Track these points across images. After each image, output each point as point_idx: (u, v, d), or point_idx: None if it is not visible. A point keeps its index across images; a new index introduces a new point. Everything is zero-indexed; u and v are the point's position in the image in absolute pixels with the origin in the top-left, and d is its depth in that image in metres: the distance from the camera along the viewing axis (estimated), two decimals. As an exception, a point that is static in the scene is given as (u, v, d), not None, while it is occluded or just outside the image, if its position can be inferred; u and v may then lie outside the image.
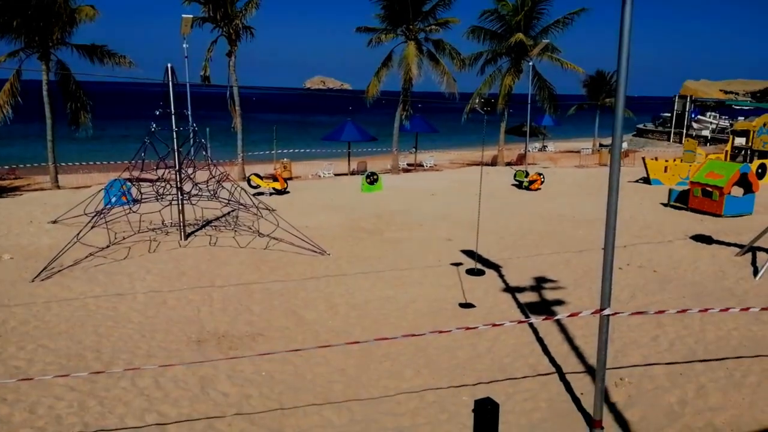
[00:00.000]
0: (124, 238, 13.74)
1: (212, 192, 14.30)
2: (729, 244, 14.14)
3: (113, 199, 14.62)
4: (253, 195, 15.69)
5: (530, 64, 30.25)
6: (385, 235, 15.36)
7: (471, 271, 11.97)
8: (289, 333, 8.97)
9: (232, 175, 16.34)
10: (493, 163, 33.56)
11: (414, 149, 34.45)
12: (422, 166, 33.60)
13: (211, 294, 10.53)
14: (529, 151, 34.57)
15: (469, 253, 13.14)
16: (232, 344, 8.48)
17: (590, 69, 43.19)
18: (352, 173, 29.70)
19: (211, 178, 14.54)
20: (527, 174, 23.97)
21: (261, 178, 22.17)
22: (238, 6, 25.90)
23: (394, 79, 30.58)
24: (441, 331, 6.97)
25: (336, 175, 29.02)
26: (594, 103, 45.09)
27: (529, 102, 29.86)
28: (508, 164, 33.79)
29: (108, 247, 13.06)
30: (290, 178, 25.85)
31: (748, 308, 8.06)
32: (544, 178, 23.86)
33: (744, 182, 17.99)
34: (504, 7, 32.01)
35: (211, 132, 20.03)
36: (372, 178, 23.03)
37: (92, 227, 12.77)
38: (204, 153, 14.58)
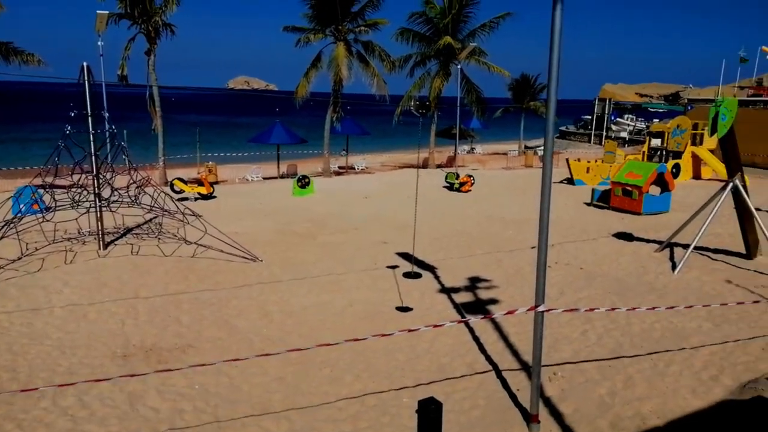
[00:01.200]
0: (37, 249, 12.92)
1: (133, 198, 13.72)
2: (648, 241, 15.13)
3: (23, 208, 13.70)
4: (177, 200, 15.18)
5: (458, 67, 31.08)
6: (319, 239, 15.31)
7: (408, 274, 12.16)
8: (221, 343, 8.77)
9: (153, 179, 15.72)
10: (425, 165, 34.17)
11: (345, 152, 34.51)
12: (354, 168, 33.71)
13: (136, 306, 10.11)
14: (458, 153, 35.46)
15: (405, 256, 13.34)
16: (161, 357, 8.19)
17: (515, 72, 44.85)
18: (282, 176, 29.36)
19: (131, 183, 13.95)
20: (458, 176, 24.58)
21: (185, 182, 21.49)
22: (157, 2, 25.02)
23: (323, 80, 30.57)
24: (383, 335, 7.05)
25: (265, 178, 28.58)
26: (519, 106, 46.88)
27: (459, 105, 30.65)
28: (439, 166, 34.52)
29: (20, 259, 12.25)
30: (216, 182, 25.22)
31: (672, 307, 8.68)
32: (474, 180, 24.56)
33: (661, 181, 19.30)
34: (432, 9, 32.71)
35: (130, 134, 19.20)
36: (303, 182, 22.88)
37: (0, 238, 11.94)
38: (123, 157, 13.97)
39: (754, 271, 12.55)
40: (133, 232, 14.96)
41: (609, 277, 12.12)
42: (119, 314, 9.72)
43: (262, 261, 12.94)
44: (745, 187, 12.92)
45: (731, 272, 12.44)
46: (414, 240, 12.69)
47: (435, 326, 7.01)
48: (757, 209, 14.39)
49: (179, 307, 10.13)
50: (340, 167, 33.84)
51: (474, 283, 11.74)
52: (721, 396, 6.95)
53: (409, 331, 7.01)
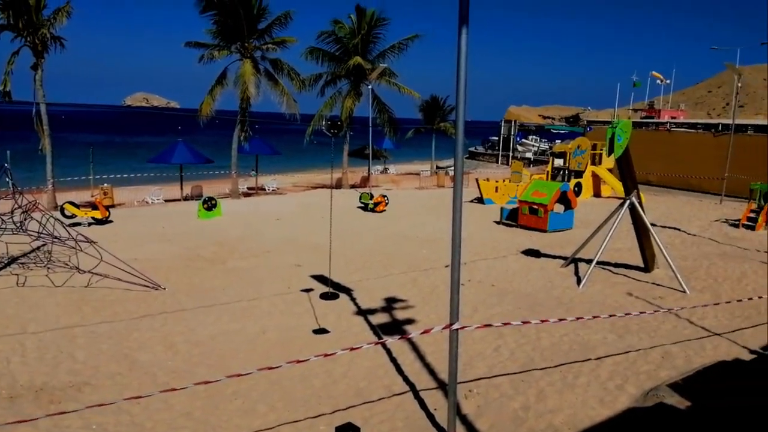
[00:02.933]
0: None
1: (18, 224, 12.74)
2: (555, 257, 16.01)
3: None
4: (69, 226, 14.24)
5: (369, 87, 31.65)
6: (229, 264, 14.90)
7: (325, 296, 12.09)
8: (121, 379, 8.27)
9: (41, 204, 14.68)
10: (338, 185, 34.30)
11: (254, 172, 33.95)
12: (264, 189, 33.20)
13: (23, 342, 9.34)
14: (372, 173, 35.92)
15: (320, 278, 13.27)
16: (53, 397, 7.60)
17: (425, 93, 46.28)
18: (186, 198, 28.35)
19: (16, 208, 12.95)
20: (372, 196, 24.88)
21: (77, 206, 20.26)
22: (45, 14, 23.62)
23: (230, 97, 30.03)
24: (298, 361, 6.95)
25: (167, 201, 27.49)
26: (430, 127, 48.32)
27: (371, 125, 31.15)
28: (353, 187, 34.76)
29: None
30: (112, 206, 23.92)
31: (580, 317, 9.21)
32: (388, 200, 24.95)
33: (564, 200, 20.54)
34: (341, 29, 33.21)
35: (14, 155, 17.83)
36: (209, 204, 22.23)
37: None
38: (7, 179, 12.95)
39: (652, 283, 13.60)
40: (19, 261, 13.84)
41: (519, 293, 12.68)
42: (4, 351, 8.93)
43: (165, 289, 12.39)
44: (641, 203, 14.03)
45: (631, 285, 13.41)
46: (330, 260, 12.67)
47: (352, 349, 7.02)
48: (653, 224, 15.67)
49: (73, 341, 9.47)
50: (249, 188, 33.20)
51: (391, 303, 11.87)
52: (626, 404, 7.44)
53: (326, 355, 6.96)
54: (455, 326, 6.10)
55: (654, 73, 66.02)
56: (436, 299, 12.04)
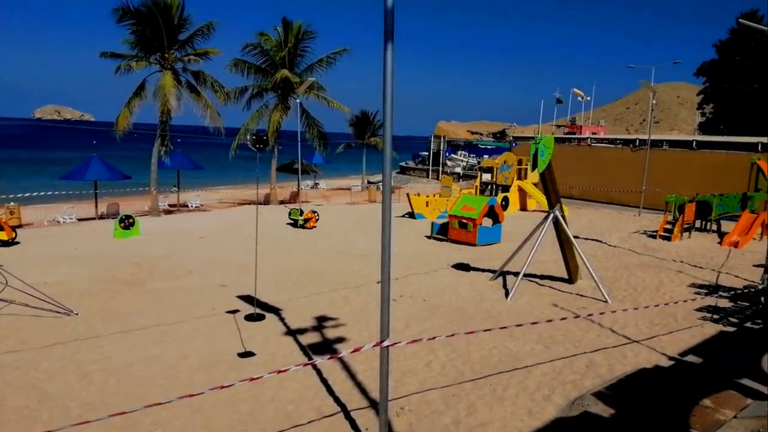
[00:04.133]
0: None
1: None
2: (484, 270, 16.43)
3: None
4: (-31, 248, 13.29)
5: (297, 101, 31.54)
6: (148, 286, 14.33)
7: (250, 317, 11.83)
8: (30, 413, 7.75)
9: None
10: (266, 201, 33.82)
11: (176, 188, 32.92)
12: (187, 206, 32.24)
13: None
14: (301, 188, 35.67)
15: (246, 298, 12.99)
16: (-55, 440, 7.01)
17: (356, 108, 46.69)
18: (101, 217, 27.10)
19: None
20: (302, 212, 24.70)
21: (-22, 227, 18.92)
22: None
23: (149, 110, 29.10)
24: (222, 387, 6.75)
25: (80, 220, 26.18)
26: (361, 141, 48.66)
27: (299, 139, 31.00)
28: (282, 202, 34.38)
29: None
30: (19, 226, 22.53)
31: (505, 327, 9.48)
32: (318, 216, 24.84)
33: (492, 214, 21.16)
34: (267, 42, 32.99)
35: None
36: (127, 222, 21.36)
37: None
38: None
39: (576, 294, 14.20)
40: None
41: (450, 307, 12.91)
42: None
43: (77, 314, 11.75)
44: (564, 217, 14.67)
45: (556, 296, 13.94)
46: (255, 281, 12.43)
47: (279, 372, 6.89)
48: (576, 237, 16.41)
49: (-30, 376, 8.79)
50: (170, 205, 32.15)
51: (321, 322, 11.78)
52: (554, 414, 7.69)
53: (252, 379, 6.81)
54: (386, 343, 6.13)
55: (575, 90, 69.47)
56: (368, 316, 12.05)
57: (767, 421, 6.60)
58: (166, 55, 28.31)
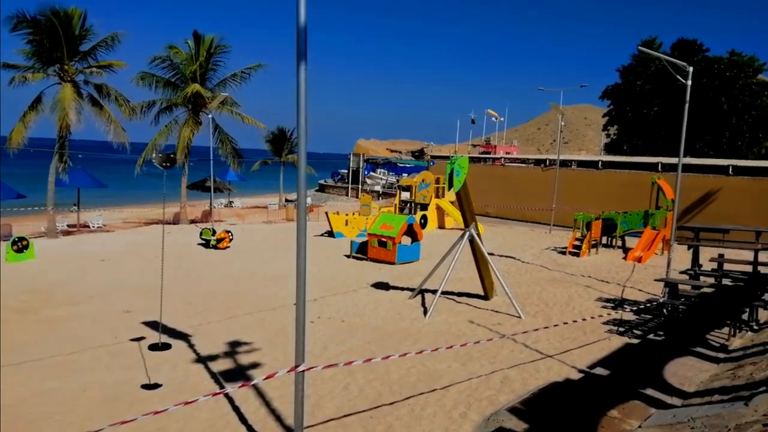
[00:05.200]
0: None
1: None
2: (403, 289, 16.62)
3: None
4: None
5: (210, 116, 30.85)
6: (43, 314, 13.42)
7: (155, 346, 11.32)
8: None
9: None
10: (176, 221, 32.66)
11: (75, 207, 31.15)
12: (88, 227, 30.54)
13: None
14: (215, 207, 34.77)
15: (153, 325, 12.42)
16: None
17: (273, 124, 46.26)
18: (-9, 240, 25.15)
19: None
20: (214, 232, 24.05)
21: None
22: None
23: (46, 124, 27.49)
24: (124, 421, 6.40)
25: (-35, 242, 24.16)
26: (278, 158, 48.20)
27: (212, 156, 30.28)
28: (193, 222, 33.31)
29: None
30: None
31: (421, 351, 9.61)
32: (232, 235, 24.26)
33: (411, 232, 21.50)
34: (177, 55, 32.15)
35: None
36: (20, 245, 19.97)
37: None
38: None
39: (491, 310, 14.65)
40: None
41: (369, 327, 12.94)
42: None
43: (-41, 348, 10.79)
44: (479, 235, 15.15)
45: (473, 313, 14.32)
46: (161, 305, 11.93)
47: (187, 403, 6.63)
48: (491, 254, 16.97)
49: None
50: (69, 226, 30.33)
51: (234, 347, 11.46)
52: (470, 431, 7.86)
53: (156, 412, 6.51)
54: (300, 368, 6.06)
55: (489, 111, 72.32)
56: (285, 339, 11.84)
57: (669, 430, 7.06)
58: (66, 67, 26.93)
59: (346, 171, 59.23)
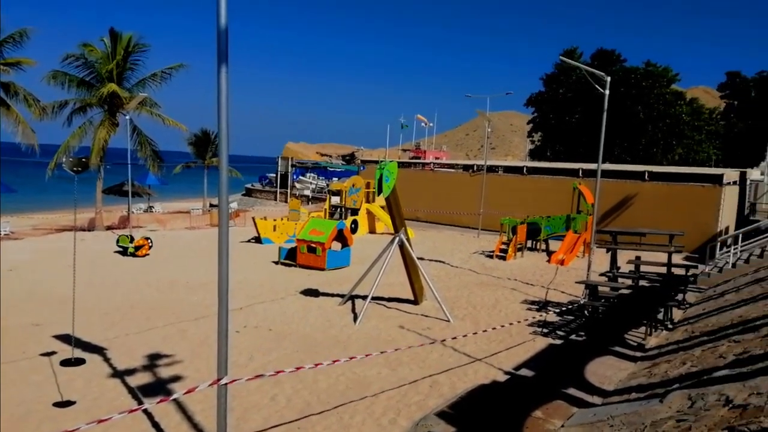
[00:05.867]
0: None
1: None
2: (333, 295, 16.55)
3: None
4: None
5: (127, 117, 29.68)
6: (-62, 330, 12.43)
7: (67, 362, 10.73)
8: None
9: None
10: (90, 227, 31.17)
11: (-22, 214, 29.14)
12: (-8, 234, 28.61)
13: None
14: (133, 212, 33.42)
15: (65, 338, 11.78)
16: None
17: (196, 126, 45.02)
18: None
19: None
20: (132, 239, 23.12)
21: None
22: None
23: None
24: (29, 443, 6.03)
25: None
26: (201, 161, 46.94)
27: (129, 159, 29.12)
28: (109, 228, 31.87)
29: None
30: None
31: (353, 357, 9.59)
32: (152, 242, 23.40)
33: (341, 237, 21.45)
34: (92, 53, 30.76)
35: None
36: None
37: None
38: None
39: (421, 315, 14.83)
40: None
41: (297, 335, 12.80)
42: None
43: None
44: (408, 240, 15.31)
45: (403, 318, 14.45)
46: (73, 317, 11.34)
47: (101, 421, 6.33)
48: (421, 258, 17.17)
49: None
50: (-29, 234, 28.34)
51: (154, 360, 11.04)
52: (399, 437, 7.91)
53: None
54: (224, 381, 5.91)
55: (419, 116, 73.41)
56: (208, 351, 11.50)
57: (590, 428, 7.36)
58: (-33, 63, 25.25)
59: (275, 175, 58.44)
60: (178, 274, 19.19)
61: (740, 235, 20.66)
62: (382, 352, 10.54)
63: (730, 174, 30.77)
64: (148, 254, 22.60)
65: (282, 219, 29.12)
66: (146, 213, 43.11)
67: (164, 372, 10.46)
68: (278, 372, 7.91)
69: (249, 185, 61.93)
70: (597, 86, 15.45)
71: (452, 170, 43.72)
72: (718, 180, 28.63)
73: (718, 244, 23.63)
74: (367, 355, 9.95)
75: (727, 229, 28.31)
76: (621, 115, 54.23)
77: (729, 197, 29.31)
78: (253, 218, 28.68)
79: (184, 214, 41.50)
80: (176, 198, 53.56)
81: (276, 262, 21.64)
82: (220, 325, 5.88)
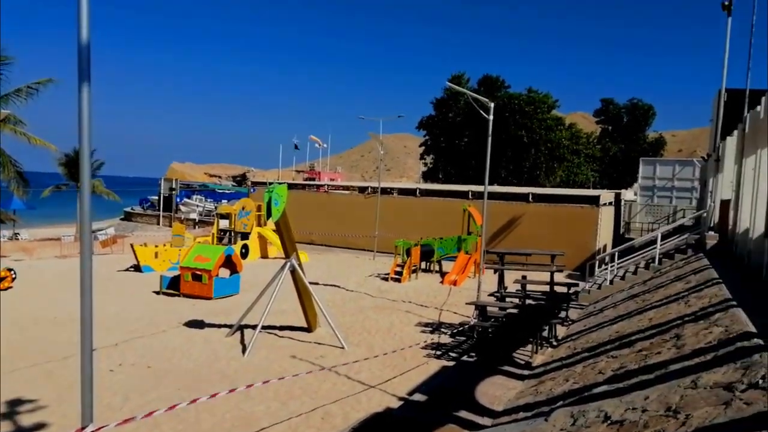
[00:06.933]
0: None
1: None
2: (220, 326, 15.91)
3: None
4: None
5: (-12, 136, 27.24)
6: None
7: None
8: None
9: None
10: (-59, 258, 28.09)
11: None
12: None
13: None
14: (-7, 241, 30.57)
15: None
16: None
17: (67, 146, 42.08)
18: None
19: None
20: (-8, 271, 21.07)
21: None
22: None
23: None
24: None
25: None
26: (74, 183, 43.92)
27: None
28: (-36, 259, 28.90)
29: None
30: None
31: (234, 389, 9.18)
32: (15, 274, 21.45)
33: (230, 263, 20.77)
34: (-57, 65, 28.04)
35: None
36: None
37: None
38: None
39: (315, 342, 14.60)
40: None
41: (180, 372, 12.14)
42: None
43: None
44: (300, 265, 15.08)
45: (295, 347, 14.14)
46: None
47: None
48: (315, 283, 16.98)
49: None
50: None
51: (15, 407, 10.01)
52: (289, 475, 7.65)
53: None
54: (88, 428, 5.42)
55: (312, 137, 73.33)
56: (77, 394, 10.61)
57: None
58: None
59: (157, 197, 55.84)
60: (44, 308, 17.67)
61: (616, 253, 22.24)
62: (264, 382, 10.22)
63: (606, 195, 33.24)
64: (11, 287, 20.67)
65: (165, 245, 27.77)
66: (10, 241, 39.57)
67: (26, 419, 9.51)
68: (151, 413, 7.39)
69: (129, 209, 58.70)
70: (481, 111, 16.17)
71: (347, 192, 43.92)
72: (595, 201, 30.81)
73: (597, 261, 25.31)
74: (248, 386, 9.60)
75: (605, 247, 30.43)
76: (506, 139, 57.22)
77: (606, 217, 31.60)
78: (132, 245, 27.11)
79: (54, 241, 38.47)
80: (45, 224, 49.61)
81: (157, 292, 20.52)
82: (83, 369, 5.44)
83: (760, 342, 5.99)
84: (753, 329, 6.70)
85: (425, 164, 74.74)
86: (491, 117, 16.08)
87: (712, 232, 19.33)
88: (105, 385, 11.04)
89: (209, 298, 19.52)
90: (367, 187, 41.77)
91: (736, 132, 18.07)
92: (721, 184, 20.43)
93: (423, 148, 70.98)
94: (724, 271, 12.68)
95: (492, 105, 16.08)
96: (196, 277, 19.82)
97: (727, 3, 24.07)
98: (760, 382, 4.71)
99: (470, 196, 33.91)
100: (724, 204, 19.62)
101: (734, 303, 8.48)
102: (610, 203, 33.63)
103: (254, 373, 12.06)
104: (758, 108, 14.08)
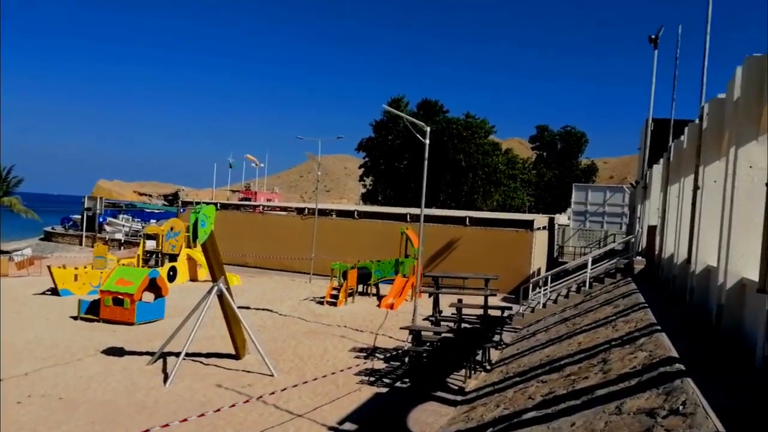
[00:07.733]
0: None
1: None
2: (142, 354, 15.19)
3: None
4: None
5: None
6: None
7: None
8: None
9: None
10: None
11: None
12: None
13: None
14: None
15: None
16: None
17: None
18: None
19: None
20: None
21: None
22: None
23: None
24: None
25: None
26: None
27: None
28: None
29: None
30: None
31: (147, 430, 8.74)
32: None
33: (155, 287, 19.97)
34: None
35: None
36: None
37: None
38: None
39: (242, 370, 14.13)
40: None
41: (95, 403, 11.46)
42: None
43: None
44: (229, 289, 14.65)
45: (222, 375, 13.65)
46: None
47: None
48: (246, 308, 16.53)
49: None
50: None
51: None
52: None
53: None
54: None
55: (248, 156, 72.40)
56: (-24, 429, 9.86)
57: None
58: None
59: (80, 216, 53.53)
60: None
61: (550, 277, 22.79)
62: (182, 421, 9.79)
63: (540, 219, 34.14)
64: None
65: (85, 267, 26.50)
66: None
67: None
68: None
69: (49, 228, 56.02)
70: (418, 135, 16.32)
71: (284, 213, 43.35)
72: (529, 225, 31.57)
73: (531, 285, 25.85)
74: (164, 426, 9.16)
75: (539, 270, 31.15)
76: (445, 163, 58.19)
77: (539, 241, 32.41)
78: (49, 267, 25.73)
79: (-36, 262, 36.20)
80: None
81: (75, 317, 19.48)
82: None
83: (682, 367, 6.15)
84: (675, 354, 6.90)
85: (364, 186, 75.00)
86: (428, 141, 16.26)
87: (639, 257, 20.09)
88: (11, 418, 10.32)
89: (131, 324, 18.65)
90: (304, 209, 41.38)
91: (662, 160, 18.94)
92: (649, 211, 21.36)
93: (362, 169, 71.26)
94: (650, 296, 13.13)
95: (428, 129, 16.27)
96: (118, 302, 18.93)
97: (653, 37, 25.47)
98: (681, 408, 4.81)
99: (408, 219, 34.10)
100: (651, 230, 20.47)
101: (659, 328, 8.75)
102: (544, 227, 34.53)
103: (176, 404, 11.53)
104: (682, 138, 14.80)
